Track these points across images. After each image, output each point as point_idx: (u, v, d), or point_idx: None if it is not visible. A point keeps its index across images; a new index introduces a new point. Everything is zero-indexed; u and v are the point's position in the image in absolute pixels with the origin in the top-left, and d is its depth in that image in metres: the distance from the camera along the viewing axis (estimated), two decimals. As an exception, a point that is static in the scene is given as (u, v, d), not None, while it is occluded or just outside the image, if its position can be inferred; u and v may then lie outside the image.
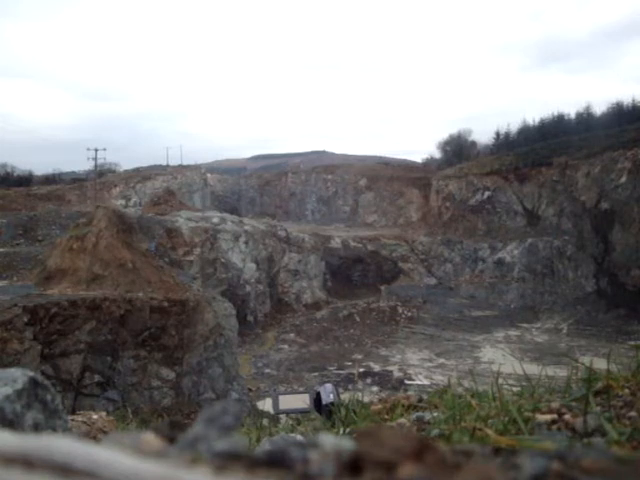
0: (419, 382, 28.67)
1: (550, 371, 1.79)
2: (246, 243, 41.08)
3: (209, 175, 73.70)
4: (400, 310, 43.09)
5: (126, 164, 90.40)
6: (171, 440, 0.59)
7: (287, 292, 43.61)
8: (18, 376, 0.89)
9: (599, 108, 61.40)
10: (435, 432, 1.36)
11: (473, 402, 1.50)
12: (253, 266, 40.70)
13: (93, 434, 2.76)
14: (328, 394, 2.33)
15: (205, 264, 37.83)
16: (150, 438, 0.59)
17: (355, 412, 1.88)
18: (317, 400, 2.37)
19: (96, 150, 52.58)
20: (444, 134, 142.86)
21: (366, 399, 2.32)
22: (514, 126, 64.83)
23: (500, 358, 31.24)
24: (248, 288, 39.30)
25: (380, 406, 2.12)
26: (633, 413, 1.23)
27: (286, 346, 35.72)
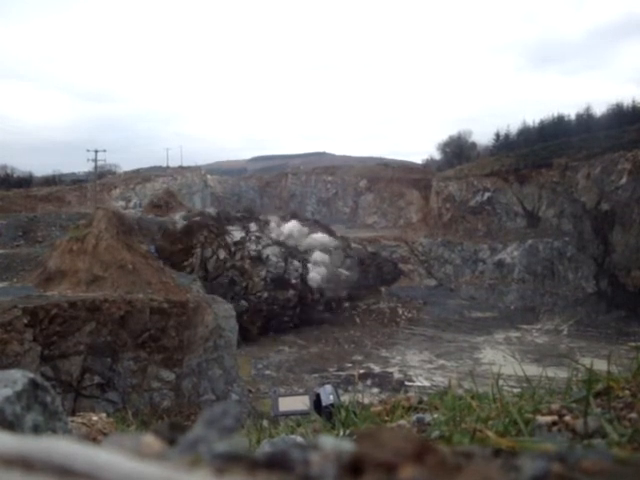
0: (419, 383, 28.65)
1: (550, 372, 1.79)
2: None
3: (209, 176, 73.74)
4: (400, 311, 43.05)
5: (126, 165, 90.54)
6: (171, 442, 0.59)
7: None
8: (18, 378, 0.89)
9: (598, 109, 61.58)
10: (435, 434, 1.36)
11: (473, 403, 1.50)
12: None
13: (93, 436, 2.75)
14: (328, 395, 2.33)
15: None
16: (150, 440, 0.58)
17: (355, 414, 1.88)
18: (317, 401, 2.36)
19: (96, 151, 52.65)
20: (444, 135, 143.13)
21: (366, 401, 2.32)
22: (514, 127, 64.96)
23: (500, 359, 31.20)
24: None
25: (380, 408, 2.12)
26: (634, 414, 1.23)
27: (286, 347, 35.69)
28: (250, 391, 25.01)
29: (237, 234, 41.45)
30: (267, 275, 40.95)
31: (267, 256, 41.58)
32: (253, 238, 42.17)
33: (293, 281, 41.54)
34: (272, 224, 46.64)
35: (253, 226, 43.46)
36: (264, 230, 43.92)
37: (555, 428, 1.23)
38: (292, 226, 45.64)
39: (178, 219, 40.41)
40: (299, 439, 1.74)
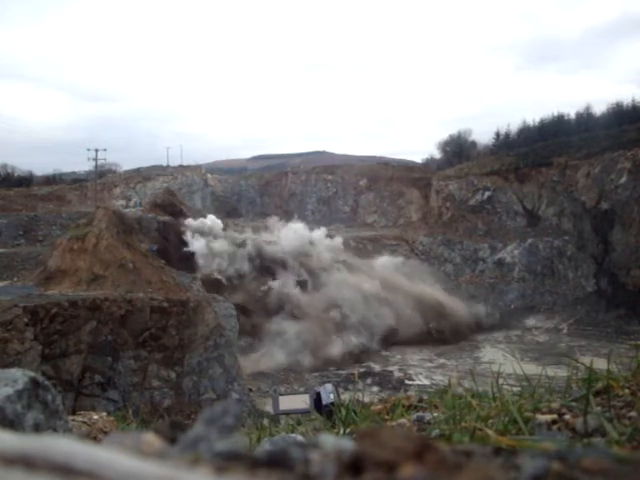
0: (419, 382, 28.67)
1: (550, 371, 1.79)
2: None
3: (209, 175, 73.64)
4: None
5: (126, 164, 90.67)
6: (172, 440, 0.59)
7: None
8: (19, 376, 0.89)
9: (597, 108, 61.48)
10: (435, 432, 1.36)
11: (473, 402, 1.50)
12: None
13: (94, 434, 2.75)
14: (328, 394, 2.33)
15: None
16: (151, 438, 0.59)
17: (355, 412, 1.88)
18: (317, 400, 2.37)
19: (96, 150, 52.64)
20: (444, 134, 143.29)
21: (366, 399, 2.32)
22: (514, 126, 64.99)
23: (500, 358, 31.25)
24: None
25: (380, 406, 2.12)
26: (633, 413, 1.23)
27: (286, 346, 35.67)
28: (250, 390, 25.02)
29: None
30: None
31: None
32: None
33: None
34: (273, 225, 45.79)
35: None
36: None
37: (555, 427, 1.24)
38: (296, 228, 43.46)
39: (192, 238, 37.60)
40: (299, 438, 1.74)
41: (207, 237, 38.59)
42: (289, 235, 42.05)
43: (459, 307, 39.99)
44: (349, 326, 34.59)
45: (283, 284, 37.33)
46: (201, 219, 42.25)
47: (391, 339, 35.91)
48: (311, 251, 41.37)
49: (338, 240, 44.48)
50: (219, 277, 36.19)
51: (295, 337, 31.66)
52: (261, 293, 36.78)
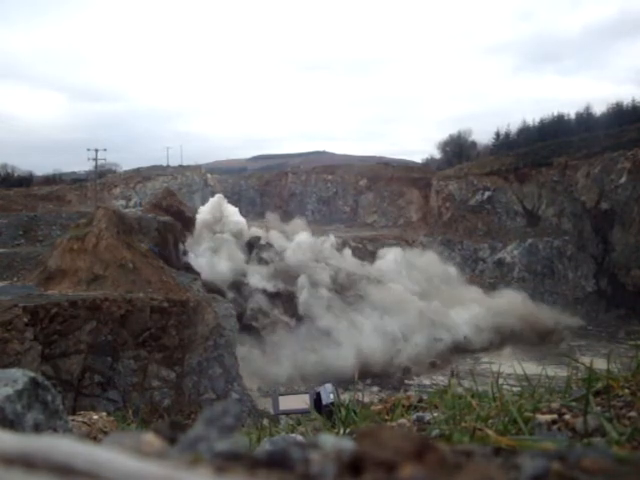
0: (419, 382, 28.66)
1: (550, 371, 1.79)
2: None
3: (209, 175, 73.69)
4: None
5: (126, 164, 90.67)
6: (172, 440, 0.59)
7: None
8: (19, 376, 0.89)
9: (598, 108, 61.48)
10: (435, 432, 1.36)
11: (473, 402, 1.50)
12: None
13: (94, 434, 2.75)
14: (328, 394, 2.32)
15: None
16: (151, 438, 0.59)
17: (355, 412, 1.88)
18: (317, 400, 2.36)
19: (96, 150, 52.57)
20: (444, 134, 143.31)
21: (366, 399, 2.32)
22: (514, 126, 65.07)
23: (500, 358, 31.22)
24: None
25: (380, 406, 2.12)
26: (633, 413, 1.23)
27: (286, 346, 35.58)
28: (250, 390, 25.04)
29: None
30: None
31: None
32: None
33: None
34: (274, 224, 44.82)
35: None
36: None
37: (555, 427, 1.24)
38: (303, 239, 40.63)
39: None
40: (299, 438, 1.74)
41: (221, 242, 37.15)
42: (294, 247, 39.72)
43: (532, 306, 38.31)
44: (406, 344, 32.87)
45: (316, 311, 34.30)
46: (212, 206, 40.44)
47: (462, 349, 34.70)
48: (329, 260, 39.00)
49: (347, 252, 42.45)
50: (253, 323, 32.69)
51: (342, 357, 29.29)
52: (291, 329, 33.90)
